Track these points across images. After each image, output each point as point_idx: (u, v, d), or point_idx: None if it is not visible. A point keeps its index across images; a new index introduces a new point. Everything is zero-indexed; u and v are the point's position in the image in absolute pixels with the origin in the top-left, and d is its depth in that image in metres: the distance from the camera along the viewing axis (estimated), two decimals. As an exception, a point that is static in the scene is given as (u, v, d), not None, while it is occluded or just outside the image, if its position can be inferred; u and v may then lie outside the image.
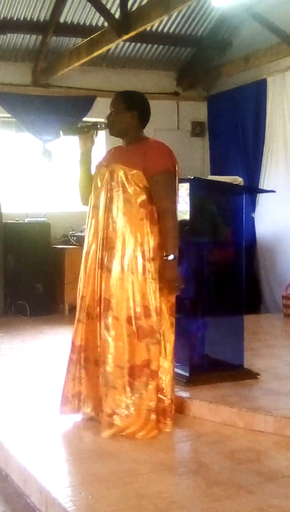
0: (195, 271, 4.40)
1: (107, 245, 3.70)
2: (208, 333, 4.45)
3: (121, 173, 3.69)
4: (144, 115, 3.85)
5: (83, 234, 7.83)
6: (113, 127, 3.85)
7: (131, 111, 3.79)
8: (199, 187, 4.46)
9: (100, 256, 3.73)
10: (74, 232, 8.24)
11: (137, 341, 3.63)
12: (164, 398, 3.71)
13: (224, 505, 2.83)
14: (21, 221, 8.03)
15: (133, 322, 3.63)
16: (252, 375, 4.52)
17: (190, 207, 4.26)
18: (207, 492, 2.97)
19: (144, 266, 3.65)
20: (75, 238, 8.15)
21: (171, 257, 3.60)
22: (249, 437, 3.68)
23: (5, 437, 3.74)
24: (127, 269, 3.65)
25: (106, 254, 3.69)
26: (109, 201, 3.71)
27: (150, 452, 3.44)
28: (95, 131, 3.95)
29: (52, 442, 3.65)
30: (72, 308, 7.94)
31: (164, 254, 3.63)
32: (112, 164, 3.77)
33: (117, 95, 3.89)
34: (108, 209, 3.71)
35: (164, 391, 3.71)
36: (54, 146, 8.60)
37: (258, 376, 4.51)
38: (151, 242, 3.67)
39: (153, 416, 3.64)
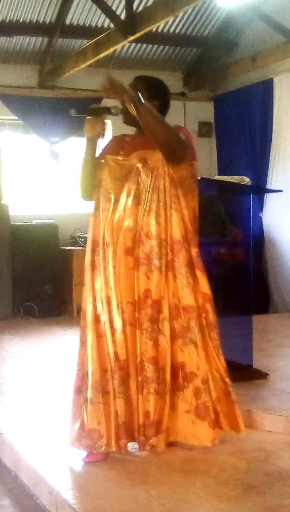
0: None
1: (147, 243, 3.35)
2: (216, 333, 4.44)
3: (158, 161, 3.35)
4: (165, 106, 3.54)
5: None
6: (130, 116, 3.37)
7: (153, 100, 3.41)
8: (206, 187, 4.45)
9: (136, 255, 3.36)
10: (82, 233, 8.26)
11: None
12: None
13: (233, 505, 2.83)
14: (29, 223, 8.05)
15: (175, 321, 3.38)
16: (261, 375, 4.51)
17: (198, 207, 4.25)
18: (216, 492, 2.96)
19: (191, 258, 3.43)
20: (82, 239, 8.16)
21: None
22: (259, 437, 3.67)
23: (15, 438, 3.75)
24: (172, 266, 3.39)
25: (145, 252, 3.35)
26: (151, 192, 3.37)
27: (159, 452, 3.44)
28: (106, 115, 3.52)
29: (62, 444, 3.65)
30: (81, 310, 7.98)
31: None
32: (140, 152, 3.39)
33: (139, 82, 3.47)
34: (139, 203, 3.36)
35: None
36: (61, 148, 8.63)
37: (267, 376, 4.51)
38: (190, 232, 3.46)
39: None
